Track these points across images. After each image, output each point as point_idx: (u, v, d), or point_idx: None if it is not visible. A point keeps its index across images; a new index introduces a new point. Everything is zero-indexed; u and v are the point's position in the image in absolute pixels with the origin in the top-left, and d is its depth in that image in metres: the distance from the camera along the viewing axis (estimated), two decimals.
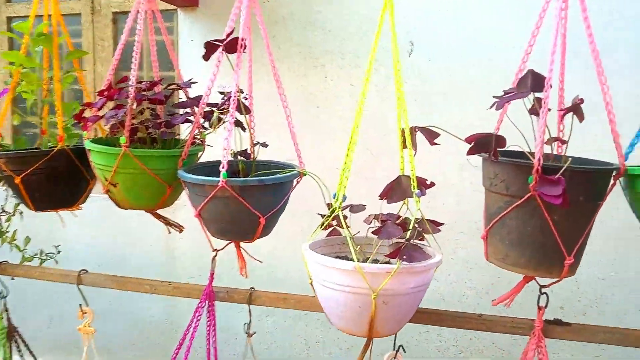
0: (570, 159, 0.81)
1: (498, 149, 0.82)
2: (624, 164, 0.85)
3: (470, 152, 0.79)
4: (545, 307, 0.94)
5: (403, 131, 0.92)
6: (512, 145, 0.90)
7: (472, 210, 1.66)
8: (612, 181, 0.86)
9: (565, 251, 0.83)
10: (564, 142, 0.94)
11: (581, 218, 0.83)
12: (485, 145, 0.77)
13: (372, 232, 0.86)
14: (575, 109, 0.82)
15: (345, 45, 1.82)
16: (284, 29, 1.92)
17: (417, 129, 0.93)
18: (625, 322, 1.66)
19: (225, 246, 1.05)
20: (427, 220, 0.92)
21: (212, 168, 1.01)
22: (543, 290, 0.93)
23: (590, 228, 0.86)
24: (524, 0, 1.57)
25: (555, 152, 0.94)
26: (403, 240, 0.82)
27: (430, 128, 0.92)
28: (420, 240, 0.91)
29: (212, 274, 1.06)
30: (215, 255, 1.06)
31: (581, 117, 0.84)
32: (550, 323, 0.96)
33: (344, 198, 0.91)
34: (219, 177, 0.91)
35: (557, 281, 0.89)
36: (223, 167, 0.92)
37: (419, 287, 0.85)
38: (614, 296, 1.67)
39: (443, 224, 0.96)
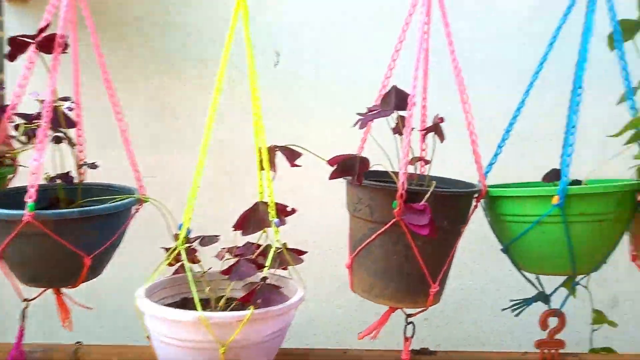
0: (434, 181, 0.76)
1: (362, 172, 0.74)
2: (485, 185, 0.82)
3: (333, 176, 0.70)
4: (412, 336, 0.89)
5: (261, 150, 0.80)
6: (376, 164, 0.84)
7: (338, 225, 1.61)
8: (474, 203, 0.83)
9: (431, 279, 0.78)
10: (427, 162, 0.90)
11: (445, 243, 0.79)
12: (348, 168, 0.69)
13: (221, 272, 0.73)
14: (436, 128, 0.78)
15: (207, 52, 1.66)
16: (137, 31, 1.71)
17: (276, 148, 0.82)
18: (482, 328, 1.73)
19: (40, 294, 0.84)
20: (288, 250, 0.82)
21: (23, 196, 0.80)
22: (409, 319, 0.88)
23: (454, 252, 0.82)
24: (394, 15, 1.56)
25: (420, 172, 0.90)
26: (258, 280, 0.70)
27: (291, 147, 0.82)
28: (284, 269, 0.80)
29: (21, 330, 0.84)
30: (26, 307, 0.84)
31: (442, 137, 0.81)
32: (417, 353, 0.91)
33: (189, 231, 0.77)
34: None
35: (423, 310, 0.84)
36: (30, 197, 0.72)
37: (277, 331, 0.74)
38: (471, 302, 1.73)
39: (305, 252, 0.87)
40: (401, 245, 0.76)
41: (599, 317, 0.95)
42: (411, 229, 0.70)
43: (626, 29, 0.81)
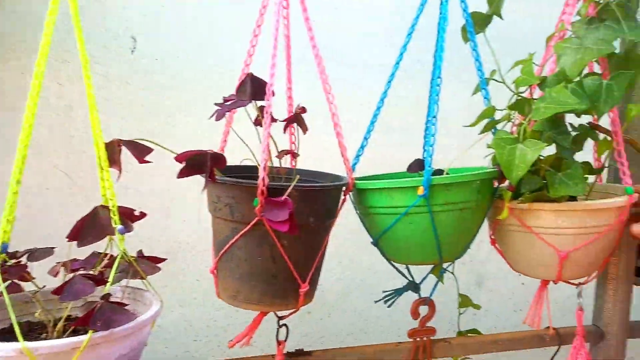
0: (297, 175, 0.71)
1: (220, 169, 0.67)
2: (352, 178, 0.80)
3: (181, 175, 0.62)
4: (286, 339, 0.84)
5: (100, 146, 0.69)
6: (246, 159, 0.78)
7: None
8: (342, 197, 0.80)
9: (300, 279, 0.73)
10: (295, 154, 0.86)
11: (314, 240, 0.75)
12: (199, 165, 0.61)
13: (53, 292, 0.62)
14: (296, 118, 0.73)
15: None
16: None
17: (120, 143, 0.71)
18: (365, 316, 1.76)
19: None
20: (142, 259, 0.72)
21: None
22: (282, 322, 0.83)
23: (324, 248, 0.78)
24: None
25: (291, 166, 0.86)
26: (98, 299, 0.60)
27: (138, 142, 0.72)
28: (141, 278, 0.71)
29: None
30: None
31: (304, 128, 0.76)
32: (292, 355, 0.87)
33: (4, 246, 0.64)
34: None
35: (295, 311, 0.79)
36: None
37: (129, 352, 0.65)
38: (351, 292, 1.75)
39: (163, 259, 0.78)
40: (266, 246, 0.70)
41: (465, 301, 0.99)
42: (272, 226, 0.65)
43: (478, 22, 0.83)
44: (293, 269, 0.72)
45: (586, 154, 0.86)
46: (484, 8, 0.88)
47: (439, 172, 0.85)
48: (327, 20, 1.62)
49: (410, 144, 1.10)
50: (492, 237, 0.89)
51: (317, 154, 1.63)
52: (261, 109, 0.70)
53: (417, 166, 0.88)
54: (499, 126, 0.82)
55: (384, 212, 0.77)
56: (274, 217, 0.63)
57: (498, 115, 0.82)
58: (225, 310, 1.58)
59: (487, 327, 1.86)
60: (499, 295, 1.87)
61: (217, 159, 0.62)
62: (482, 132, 0.80)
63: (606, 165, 0.84)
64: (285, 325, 0.84)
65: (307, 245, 0.74)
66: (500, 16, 0.85)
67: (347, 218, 0.86)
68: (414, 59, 1.73)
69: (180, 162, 0.61)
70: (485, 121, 0.81)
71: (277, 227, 0.63)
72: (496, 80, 0.81)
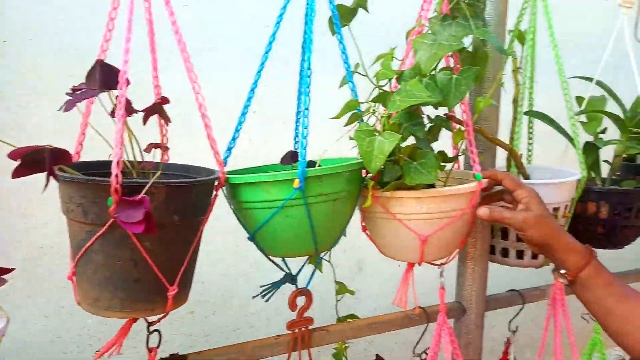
0: (159, 171, 0.67)
1: (66, 165, 0.61)
2: (224, 172, 0.77)
3: (16, 174, 0.55)
4: (158, 346, 0.79)
5: None
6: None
7: None
8: (214, 192, 0.77)
9: (167, 282, 0.69)
10: (166, 148, 0.81)
11: (181, 239, 0.71)
12: (36, 163, 0.55)
13: None
14: (156, 109, 0.69)
15: None
16: None
17: None
18: (251, 310, 1.74)
19: None
20: None
21: None
22: (152, 328, 0.78)
23: (195, 247, 0.75)
24: None
25: (164, 160, 0.81)
26: None
27: None
28: None
29: None
30: None
31: (166, 119, 0.72)
32: None
33: None
34: None
35: (165, 315, 0.75)
36: None
37: None
38: (237, 288, 1.72)
39: (11, 269, 0.69)
40: (126, 249, 0.65)
41: (342, 288, 1.01)
42: (125, 227, 0.60)
43: (343, 14, 0.84)
44: (158, 272, 0.67)
45: (446, 143, 0.92)
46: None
47: (312, 163, 0.85)
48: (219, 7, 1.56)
49: (292, 135, 1.10)
50: (363, 224, 0.92)
51: (201, 148, 1.58)
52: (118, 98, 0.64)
53: (291, 158, 0.87)
54: (364, 118, 0.84)
55: (260, 206, 0.76)
56: (128, 218, 0.58)
57: (363, 107, 0.84)
58: (95, 318, 1.47)
59: (369, 309, 1.95)
60: (378, 279, 1.96)
61: (59, 155, 0.56)
62: (347, 124, 0.81)
63: (461, 153, 0.90)
64: (157, 330, 0.79)
65: (173, 246, 0.70)
66: (365, 9, 0.87)
67: (229, 212, 0.84)
68: (293, 49, 1.74)
69: (15, 160, 0.54)
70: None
71: (132, 229, 0.59)
72: (359, 73, 0.83)
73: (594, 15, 1.62)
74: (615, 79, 1.22)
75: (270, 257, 0.86)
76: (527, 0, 0.99)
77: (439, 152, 0.87)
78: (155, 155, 0.81)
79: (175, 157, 0.86)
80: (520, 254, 1.04)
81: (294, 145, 1.01)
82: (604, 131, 1.18)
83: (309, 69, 0.77)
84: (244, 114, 0.85)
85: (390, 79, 0.81)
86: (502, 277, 1.39)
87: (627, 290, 0.80)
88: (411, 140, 0.82)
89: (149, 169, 0.79)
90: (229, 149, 0.87)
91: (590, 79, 1.16)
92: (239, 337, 1.74)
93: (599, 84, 1.15)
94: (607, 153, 1.17)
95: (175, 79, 1.63)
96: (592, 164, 1.11)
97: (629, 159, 1.27)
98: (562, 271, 0.84)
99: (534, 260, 1.03)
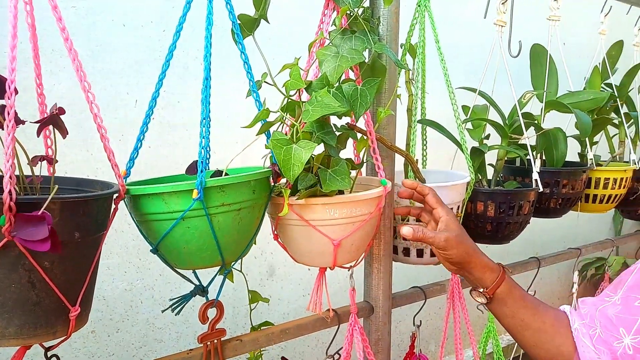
0: (57, 186, 0.63)
1: None
2: (123, 184, 0.74)
3: None
4: None
5: None
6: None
7: None
8: (114, 206, 0.74)
9: (69, 302, 0.65)
10: (51, 160, 0.76)
11: (82, 257, 0.68)
12: None
13: None
14: (53, 120, 0.65)
15: None
16: None
17: None
18: (158, 324, 1.68)
19: None
20: None
21: None
22: (50, 353, 0.73)
23: (96, 264, 0.71)
24: None
25: (49, 174, 0.75)
26: None
27: None
28: None
29: None
30: None
31: (63, 132, 0.68)
32: None
33: None
34: None
35: (67, 338, 0.71)
36: None
37: None
38: (142, 302, 1.65)
39: None
40: (22, 270, 0.61)
41: (254, 296, 1.02)
42: (28, 247, 0.56)
43: (246, 24, 0.85)
44: (60, 293, 0.64)
45: (348, 151, 0.96)
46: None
47: (219, 173, 0.85)
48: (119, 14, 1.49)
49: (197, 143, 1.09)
50: (275, 232, 0.93)
51: (97, 158, 1.49)
52: (2, 109, 0.59)
53: (196, 168, 0.86)
54: (274, 127, 0.85)
55: (160, 218, 0.74)
56: (29, 236, 0.54)
57: (272, 117, 0.85)
58: None
59: (282, 313, 1.96)
60: (289, 283, 1.98)
61: None
62: (259, 133, 0.82)
63: (365, 160, 0.95)
64: (55, 355, 0.74)
65: (74, 264, 0.66)
66: (266, 19, 0.89)
67: (131, 224, 0.80)
68: (193, 56, 1.71)
69: None
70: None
71: (36, 247, 0.55)
72: (268, 83, 0.85)
73: (477, 29, 1.79)
74: (496, 89, 1.36)
75: (177, 269, 0.84)
76: (415, 17, 1.07)
77: (347, 159, 0.91)
78: (42, 169, 0.77)
79: (68, 167, 0.81)
80: (420, 253, 1.11)
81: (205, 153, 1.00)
82: (487, 137, 1.30)
83: (207, 78, 0.76)
84: (145, 123, 0.82)
85: (299, 89, 0.83)
86: (405, 274, 1.47)
87: (538, 302, 0.84)
88: (320, 148, 0.85)
89: (37, 184, 0.74)
90: (132, 159, 0.84)
91: (474, 90, 1.28)
92: (146, 354, 1.67)
93: (481, 94, 1.28)
94: (491, 156, 1.29)
95: (66, 85, 1.53)
96: (479, 167, 1.22)
97: (510, 161, 1.41)
98: (481, 289, 0.85)
99: (432, 258, 1.11)
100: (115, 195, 0.73)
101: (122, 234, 1.52)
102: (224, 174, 0.83)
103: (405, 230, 0.86)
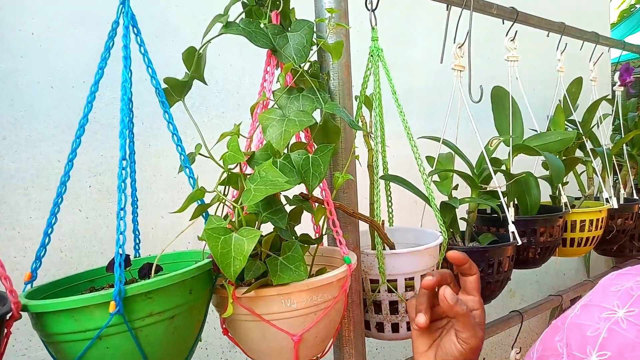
0: None
1: None
2: (17, 301, 0.58)
3: None
4: None
5: None
6: None
7: None
8: (5, 331, 0.58)
9: None
10: None
11: None
12: None
13: None
14: None
15: None
16: None
17: None
18: None
19: None
20: None
21: None
22: None
23: None
24: None
25: None
26: None
27: None
28: None
29: None
30: None
31: None
32: None
33: None
34: None
35: None
36: None
37: None
38: None
39: None
40: None
41: None
42: None
43: (175, 89, 0.73)
44: None
45: (305, 221, 0.84)
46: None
47: (149, 266, 0.70)
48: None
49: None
50: (224, 327, 0.78)
51: None
52: None
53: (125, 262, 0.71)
54: (212, 207, 0.72)
55: (71, 338, 0.58)
56: None
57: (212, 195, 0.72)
58: None
59: None
60: None
61: None
62: (193, 218, 0.69)
63: (324, 233, 0.82)
64: None
65: None
66: (202, 80, 0.77)
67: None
68: (135, 114, 1.57)
69: None
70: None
71: None
72: (203, 155, 0.72)
73: (435, 72, 1.73)
74: (459, 133, 1.27)
75: None
76: (369, 67, 0.98)
77: (302, 235, 0.78)
78: None
79: None
80: (395, 327, 0.98)
81: (134, 238, 0.85)
82: (456, 187, 1.20)
83: (124, 159, 0.63)
84: (56, 203, 0.67)
85: (239, 163, 0.71)
86: (380, 348, 1.32)
87: None
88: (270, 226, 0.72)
89: None
90: (38, 259, 0.68)
91: (437, 139, 1.19)
92: None
93: (446, 143, 1.18)
94: (461, 207, 1.19)
95: None
96: (451, 222, 1.12)
97: (482, 210, 1.32)
98: None
99: (409, 332, 0.98)
100: (7, 316, 0.57)
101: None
102: (154, 267, 0.69)
103: (448, 293, 0.60)
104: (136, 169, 0.80)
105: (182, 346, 0.66)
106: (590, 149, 1.53)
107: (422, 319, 0.62)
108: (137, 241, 0.81)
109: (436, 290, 0.64)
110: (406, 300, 0.95)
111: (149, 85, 0.71)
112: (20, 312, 0.58)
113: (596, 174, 1.54)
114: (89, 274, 0.76)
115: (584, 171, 1.61)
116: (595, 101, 1.56)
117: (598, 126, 1.65)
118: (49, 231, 0.68)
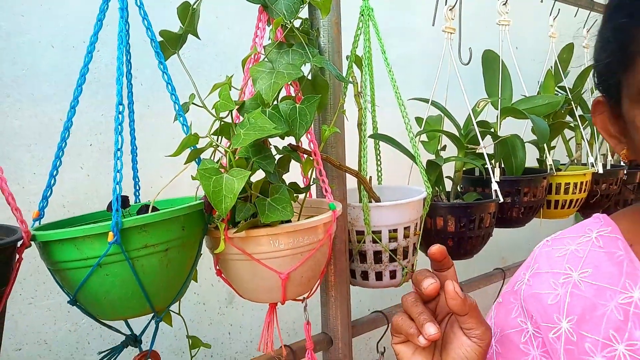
0: None
1: None
2: (27, 230, 0.64)
3: None
4: None
5: None
6: None
7: None
8: (17, 257, 0.64)
9: None
10: None
11: None
12: None
13: None
14: None
15: None
16: None
17: None
18: None
19: None
20: None
21: None
22: None
23: (2, 323, 0.61)
24: None
25: None
26: None
27: None
28: None
29: None
30: None
31: None
32: None
33: None
34: None
35: None
36: None
37: None
38: (89, 344, 1.52)
39: None
40: None
41: (195, 342, 0.92)
42: None
43: (170, 41, 0.77)
44: None
45: (295, 173, 0.89)
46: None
47: (146, 208, 0.76)
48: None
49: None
50: (217, 268, 0.84)
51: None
52: None
53: (122, 203, 0.76)
54: (206, 153, 0.77)
55: (74, 266, 0.64)
56: None
57: (205, 142, 0.77)
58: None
59: (244, 342, 1.85)
60: (250, 310, 1.88)
61: None
62: (187, 162, 0.74)
63: (312, 182, 0.87)
64: None
65: None
66: (196, 35, 0.80)
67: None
68: (133, 75, 1.60)
69: None
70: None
71: None
72: (196, 105, 0.76)
73: (427, 38, 1.75)
74: (450, 97, 1.31)
75: (102, 320, 0.74)
76: (359, 27, 1.01)
77: (291, 183, 0.83)
78: None
79: None
80: (379, 275, 1.04)
81: (134, 185, 0.91)
82: (444, 148, 1.25)
83: (120, 103, 0.68)
84: (58, 156, 0.73)
85: (231, 111, 0.75)
86: (364, 300, 1.39)
87: None
88: (261, 173, 0.77)
89: None
90: (45, 198, 0.74)
91: (426, 100, 1.23)
92: None
93: (434, 104, 1.22)
94: (449, 168, 1.24)
95: None
96: (436, 180, 1.17)
97: (469, 171, 1.36)
98: None
99: (392, 280, 1.05)
100: (19, 244, 0.63)
101: (40, 285, 1.40)
102: (151, 208, 0.74)
103: (458, 288, 0.52)
104: (135, 127, 0.84)
105: (175, 279, 0.72)
106: (580, 116, 1.57)
107: (433, 329, 0.49)
108: (137, 187, 0.86)
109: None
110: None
111: (148, 48, 0.75)
112: (30, 241, 0.63)
113: (584, 140, 1.58)
114: (91, 216, 0.81)
115: (573, 137, 1.65)
116: (586, 68, 1.59)
117: (591, 94, 1.68)
118: (54, 172, 0.73)
